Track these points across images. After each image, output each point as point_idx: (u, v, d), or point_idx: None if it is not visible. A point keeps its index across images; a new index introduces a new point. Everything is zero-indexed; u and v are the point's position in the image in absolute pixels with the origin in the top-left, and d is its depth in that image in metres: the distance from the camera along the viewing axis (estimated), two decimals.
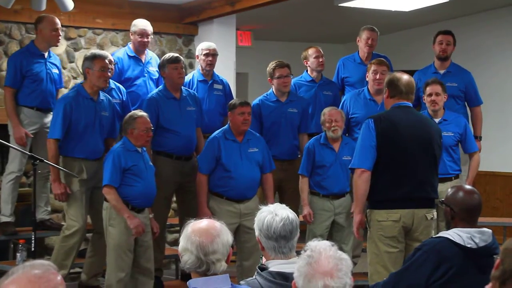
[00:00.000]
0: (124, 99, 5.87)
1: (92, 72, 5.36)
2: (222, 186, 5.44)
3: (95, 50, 6.04)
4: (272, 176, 5.67)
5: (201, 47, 6.19)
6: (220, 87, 6.26)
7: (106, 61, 5.40)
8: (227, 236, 2.55)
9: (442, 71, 6.13)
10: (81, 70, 5.98)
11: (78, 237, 5.35)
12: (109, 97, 5.58)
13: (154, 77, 6.21)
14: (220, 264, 2.52)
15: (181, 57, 5.85)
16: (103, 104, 5.47)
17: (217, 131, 5.55)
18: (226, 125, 5.57)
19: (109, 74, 5.69)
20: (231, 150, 5.44)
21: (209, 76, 6.22)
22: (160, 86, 5.84)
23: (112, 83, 5.81)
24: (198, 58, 6.21)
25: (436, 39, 6.15)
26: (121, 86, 5.90)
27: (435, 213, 4.48)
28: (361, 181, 4.36)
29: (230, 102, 5.64)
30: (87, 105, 5.36)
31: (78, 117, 5.32)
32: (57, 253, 5.38)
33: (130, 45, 6.16)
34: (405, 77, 4.51)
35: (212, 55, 6.13)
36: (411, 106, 4.53)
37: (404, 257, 4.36)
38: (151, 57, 6.28)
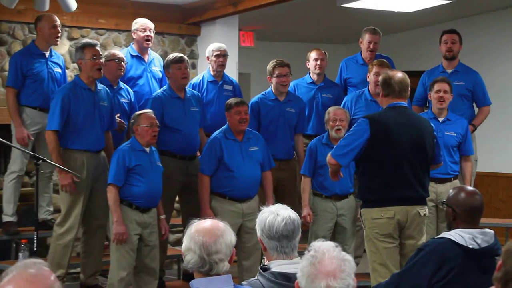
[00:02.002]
0: (132, 100, 5.89)
1: (84, 62, 5.30)
2: (224, 186, 5.42)
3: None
4: None
5: (211, 48, 6.19)
6: (230, 87, 6.26)
7: (97, 48, 5.35)
8: (231, 237, 2.55)
9: (449, 70, 6.13)
10: None
11: (72, 235, 5.32)
12: (107, 88, 5.53)
13: (157, 77, 6.21)
14: (223, 264, 2.52)
15: (186, 57, 5.85)
16: (101, 94, 5.42)
17: (217, 131, 5.52)
18: (225, 125, 5.54)
19: (121, 72, 5.72)
20: (232, 149, 5.43)
21: (219, 77, 6.22)
22: (165, 86, 5.84)
23: (121, 84, 5.83)
24: (208, 59, 6.21)
25: (442, 39, 6.16)
26: (128, 87, 5.91)
27: (427, 209, 4.54)
28: (331, 166, 4.54)
29: (226, 102, 5.62)
30: (86, 95, 5.31)
31: (77, 108, 5.26)
32: (53, 253, 5.36)
33: (133, 45, 6.17)
34: (399, 75, 4.51)
35: (223, 56, 6.15)
36: (406, 106, 4.55)
37: (400, 254, 4.45)
38: (154, 57, 6.29)
